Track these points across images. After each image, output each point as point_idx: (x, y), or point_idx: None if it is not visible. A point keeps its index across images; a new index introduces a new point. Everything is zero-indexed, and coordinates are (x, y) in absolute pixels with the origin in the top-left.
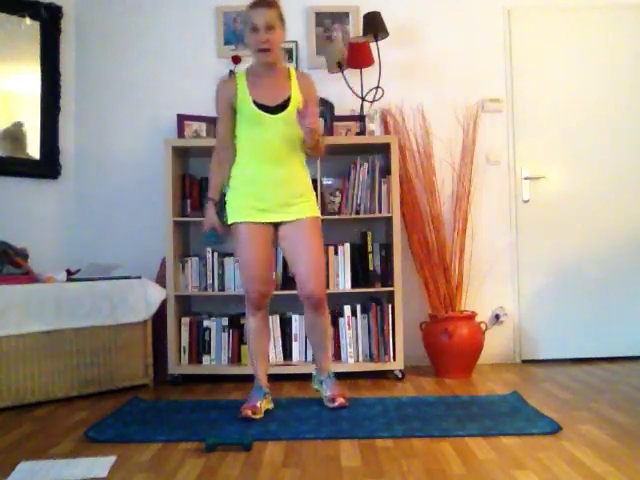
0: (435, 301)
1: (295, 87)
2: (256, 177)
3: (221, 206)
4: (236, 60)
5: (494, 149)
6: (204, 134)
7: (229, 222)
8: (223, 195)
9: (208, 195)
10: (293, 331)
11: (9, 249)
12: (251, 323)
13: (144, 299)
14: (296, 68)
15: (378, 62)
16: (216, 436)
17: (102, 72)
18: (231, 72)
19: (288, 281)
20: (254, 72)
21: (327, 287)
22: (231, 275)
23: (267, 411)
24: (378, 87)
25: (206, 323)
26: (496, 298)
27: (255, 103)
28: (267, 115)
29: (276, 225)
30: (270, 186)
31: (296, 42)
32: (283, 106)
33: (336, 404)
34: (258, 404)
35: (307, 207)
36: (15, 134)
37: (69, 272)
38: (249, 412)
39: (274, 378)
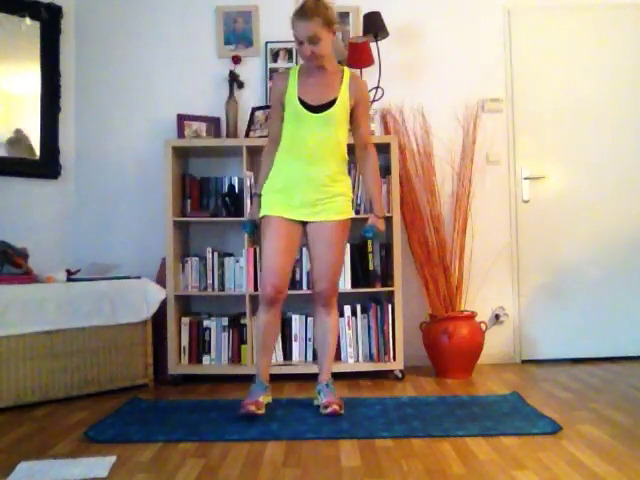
0: (435, 301)
1: (345, 89)
2: (289, 174)
3: (233, 202)
4: (236, 60)
5: (494, 149)
6: (204, 134)
7: (260, 215)
8: (233, 193)
9: (254, 191)
10: (293, 331)
11: (9, 249)
12: (261, 318)
13: (144, 299)
14: (352, 71)
15: (378, 62)
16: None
17: (102, 72)
18: (232, 73)
19: (289, 282)
20: (306, 69)
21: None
22: (231, 275)
23: (267, 405)
24: (378, 87)
25: (206, 323)
26: (496, 298)
27: (300, 100)
28: (307, 113)
29: (304, 223)
30: (301, 184)
31: None
32: (327, 106)
33: (328, 410)
34: (261, 399)
35: (336, 208)
36: (20, 140)
37: (69, 272)
38: (253, 407)
39: (274, 378)
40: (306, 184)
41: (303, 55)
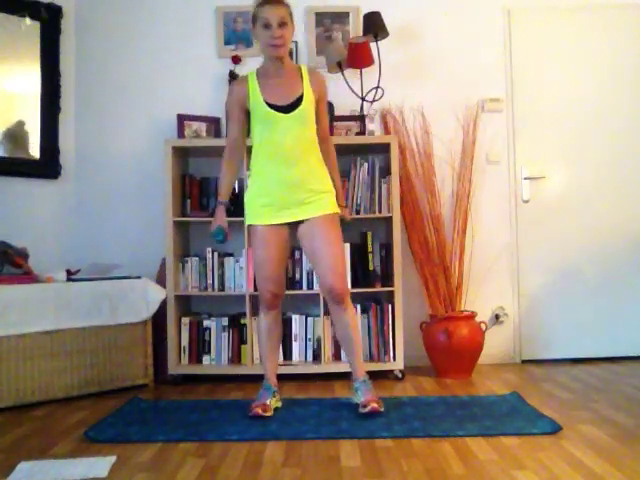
0: (435, 301)
1: (307, 84)
2: (272, 179)
3: (233, 202)
4: (236, 60)
5: (494, 149)
6: (204, 134)
7: (246, 223)
8: (234, 193)
9: (218, 199)
10: (293, 331)
11: (9, 249)
12: (262, 322)
13: (144, 299)
14: (308, 66)
15: (378, 62)
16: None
17: (102, 72)
18: (232, 73)
19: (289, 281)
20: (264, 72)
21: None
22: (231, 275)
23: (276, 409)
24: (378, 87)
25: (206, 323)
26: (496, 298)
27: (267, 103)
28: (278, 114)
29: (293, 224)
30: (286, 188)
31: (296, 42)
32: (296, 104)
33: (367, 409)
34: (268, 402)
35: (324, 204)
36: (17, 134)
37: (69, 272)
38: (259, 410)
39: None
40: (289, 186)
41: (271, 39)
